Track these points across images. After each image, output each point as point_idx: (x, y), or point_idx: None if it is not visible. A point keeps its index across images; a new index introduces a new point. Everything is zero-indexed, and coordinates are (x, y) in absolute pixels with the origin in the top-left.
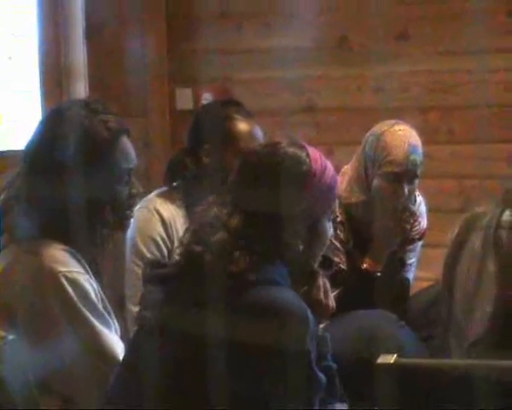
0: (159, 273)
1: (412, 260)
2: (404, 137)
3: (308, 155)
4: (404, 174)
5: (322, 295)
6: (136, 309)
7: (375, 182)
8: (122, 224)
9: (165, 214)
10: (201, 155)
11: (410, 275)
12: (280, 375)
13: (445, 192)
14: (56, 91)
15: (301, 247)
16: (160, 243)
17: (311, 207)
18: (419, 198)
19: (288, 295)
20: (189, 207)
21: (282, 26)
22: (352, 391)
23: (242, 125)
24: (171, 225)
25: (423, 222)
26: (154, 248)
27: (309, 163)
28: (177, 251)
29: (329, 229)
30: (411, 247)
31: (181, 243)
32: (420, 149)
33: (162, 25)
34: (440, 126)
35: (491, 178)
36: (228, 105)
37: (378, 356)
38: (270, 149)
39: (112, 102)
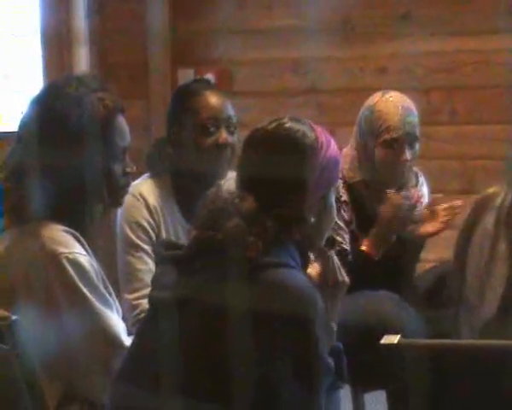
0: (173, 255)
1: None
2: (396, 102)
3: (312, 128)
4: (403, 138)
5: (337, 273)
6: (130, 297)
7: (377, 152)
8: (117, 201)
9: (151, 200)
10: (179, 133)
11: None
12: (288, 357)
13: (447, 173)
14: (59, 70)
15: (313, 219)
16: (147, 227)
17: (321, 179)
18: (421, 179)
19: (298, 279)
20: (177, 194)
21: (285, 6)
22: (357, 372)
23: (213, 99)
24: (156, 210)
25: (425, 202)
26: (141, 234)
27: (315, 135)
28: (192, 234)
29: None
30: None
31: (195, 226)
32: (415, 111)
33: (165, 5)
34: (443, 107)
35: (494, 158)
36: (198, 82)
37: (382, 337)
38: (275, 125)
39: (113, 82)
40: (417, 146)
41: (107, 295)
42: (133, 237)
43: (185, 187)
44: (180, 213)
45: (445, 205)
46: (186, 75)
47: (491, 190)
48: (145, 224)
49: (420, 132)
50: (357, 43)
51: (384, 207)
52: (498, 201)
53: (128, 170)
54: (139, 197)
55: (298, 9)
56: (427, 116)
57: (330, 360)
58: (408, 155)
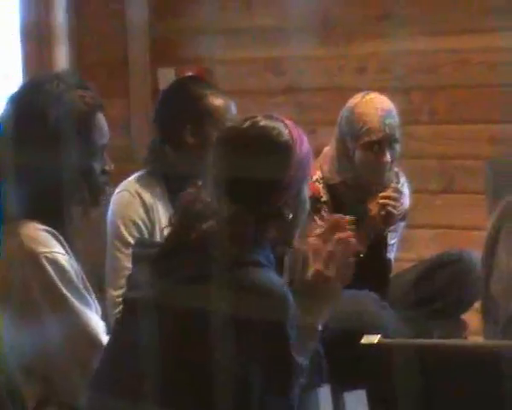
0: (148, 254)
1: (394, 240)
2: (375, 104)
3: (286, 124)
4: (383, 140)
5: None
6: (115, 293)
7: (357, 154)
8: (97, 200)
9: (147, 198)
10: (184, 135)
11: (392, 255)
12: (259, 357)
13: (427, 172)
14: (38, 67)
15: (290, 216)
16: (142, 226)
17: (297, 175)
18: (402, 179)
19: (270, 278)
20: (171, 194)
21: (265, 6)
22: (338, 371)
23: (220, 101)
24: (152, 208)
25: (406, 203)
26: (135, 232)
27: (289, 132)
28: (165, 232)
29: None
30: (394, 227)
31: (170, 224)
32: (394, 113)
33: (144, 4)
34: (423, 107)
35: (473, 158)
36: (197, 82)
37: (361, 337)
38: (250, 124)
39: (93, 81)
40: (398, 147)
41: (87, 294)
42: (125, 233)
43: (181, 187)
44: None
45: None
46: (166, 74)
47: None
48: (139, 221)
49: (400, 133)
50: (337, 42)
51: (371, 203)
52: None
53: (107, 168)
54: (135, 194)
55: (278, 9)
56: (406, 116)
57: (302, 360)
58: (388, 156)
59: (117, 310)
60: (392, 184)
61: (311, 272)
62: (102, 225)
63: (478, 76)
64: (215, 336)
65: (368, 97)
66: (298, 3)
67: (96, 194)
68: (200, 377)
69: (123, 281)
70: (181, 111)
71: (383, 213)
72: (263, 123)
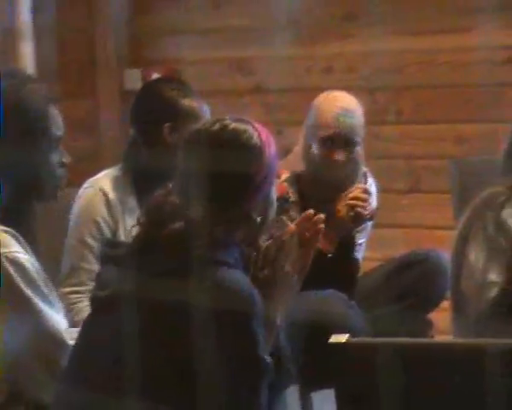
0: (115, 253)
1: (362, 240)
2: (335, 101)
3: (254, 126)
4: (336, 137)
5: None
6: (65, 290)
7: (314, 149)
8: (55, 194)
9: (112, 196)
10: (161, 135)
11: (360, 255)
12: (226, 355)
13: (394, 172)
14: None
15: (259, 217)
16: (102, 224)
17: (268, 177)
18: (370, 179)
19: (238, 278)
20: (139, 194)
21: (232, 6)
22: (306, 371)
23: (196, 102)
24: (116, 207)
25: (374, 203)
26: (94, 231)
27: (258, 135)
28: (134, 231)
29: None
30: (362, 227)
31: (138, 223)
32: (353, 113)
33: (112, 5)
34: (389, 107)
35: (439, 158)
36: (171, 83)
37: (329, 336)
38: (220, 126)
39: (60, 82)
40: (357, 149)
41: (49, 293)
42: (85, 232)
43: (150, 188)
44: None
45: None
46: (133, 75)
47: (487, 193)
48: (100, 220)
49: (361, 134)
50: (304, 43)
51: (340, 204)
52: (498, 201)
53: (64, 160)
54: (99, 192)
55: (245, 9)
56: (373, 116)
57: (269, 360)
58: (341, 155)
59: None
60: (361, 185)
61: (269, 266)
62: (65, 221)
63: (443, 76)
64: (184, 335)
65: (331, 95)
66: (265, 4)
67: (55, 187)
68: (172, 372)
69: (74, 280)
70: (158, 111)
71: (352, 213)
72: (233, 125)
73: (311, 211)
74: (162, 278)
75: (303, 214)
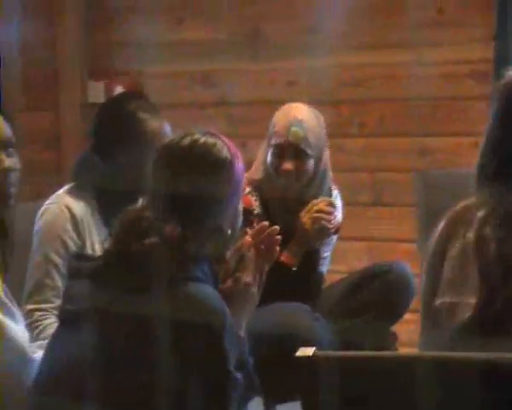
0: (85, 267)
1: (327, 253)
2: (290, 111)
3: (222, 140)
4: (285, 146)
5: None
6: (28, 307)
7: (267, 157)
8: (4, 202)
9: (76, 211)
10: (116, 153)
11: (325, 268)
12: (198, 370)
13: (357, 185)
14: None
15: (229, 231)
16: (68, 241)
17: (237, 190)
18: (335, 192)
19: (208, 293)
20: (102, 208)
21: (196, 19)
22: (272, 385)
23: (155, 124)
24: (82, 222)
25: (339, 216)
26: (60, 247)
27: (227, 149)
28: (105, 245)
29: None
30: (327, 240)
31: (110, 236)
32: (308, 125)
33: (74, 16)
34: (352, 120)
35: (402, 171)
36: (135, 100)
37: (295, 349)
38: (190, 141)
39: (24, 95)
40: (310, 162)
41: (12, 306)
42: (50, 249)
43: (113, 201)
44: (106, 227)
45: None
46: (96, 88)
47: (463, 205)
48: (66, 237)
49: (319, 149)
50: (267, 56)
51: (305, 217)
52: (480, 214)
53: (6, 165)
54: (64, 208)
55: (209, 23)
56: (336, 129)
57: (239, 375)
58: (289, 165)
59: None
60: (326, 198)
61: (231, 278)
62: (28, 237)
63: (406, 89)
64: (154, 350)
65: (289, 105)
66: (228, 17)
67: (6, 196)
68: (142, 387)
69: (37, 297)
70: (119, 129)
71: (317, 227)
72: (203, 140)
73: (266, 223)
74: (134, 292)
75: (257, 226)
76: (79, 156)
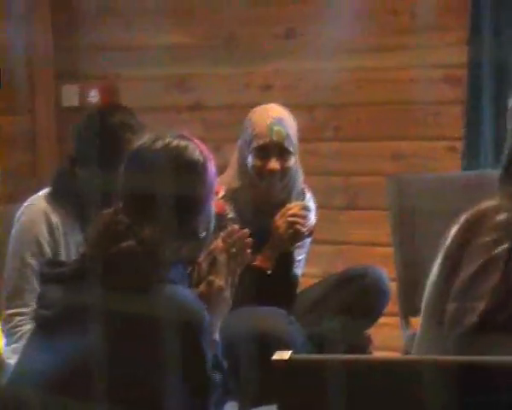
0: (59, 273)
1: (301, 256)
2: (267, 111)
3: (196, 143)
4: (270, 146)
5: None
6: (12, 311)
7: (249, 161)
8: None
9: (53, 216)
10: (97, 167)
11: (299, 271)
12: (174, 372)
13: (332, 189)
14: None
15: (203, 234)
16: (45, 245)
17: (211, 193)
18: (308, 194)
19: (186, 295)
20: (78, 215)
21: (171, 23)
22: (247, 388)
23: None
24: (58, 227)
25: (313, 219)
26: (36, 251)
27: (200, 152)
28: (80, 250)
29: None
30: (301, 243)
31: (85, 242)
32: (286, 123)
33: (48, 19)
34: (327, 124)
35: (377, 174)
36: (119, 113)
37: (270, 352)
38: (162, 144)
39: None
40: (292, 160)
41: None
42: (27, 253)
43: (90, 209)
44: (82, 234)
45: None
46: (70, 91)
47: (484, 207)
48: (42, 241)
49: (296, 147)
50: (242, 60)
51: (279, 221)
52: (499, 217)
53: None
54: (41, 212)
55: (184, 27)
56: (311, 133)
57: (216, 376)
58: (275, 164)
59: (8, 326)
60: (299, 202)
61: (204, 282)
62: (5, 240)
63: (381, 94)
64: (133, 354)
65: (263, 106)
66: (203, 21)
67: None
68: (120, 389)
69: (17, 301)
70: (101, 144)
71: (291, 230)
72: (175, 143)
73: (236, 226)
74: (112, 295)
75: (227, 230)
76: (59, 168)
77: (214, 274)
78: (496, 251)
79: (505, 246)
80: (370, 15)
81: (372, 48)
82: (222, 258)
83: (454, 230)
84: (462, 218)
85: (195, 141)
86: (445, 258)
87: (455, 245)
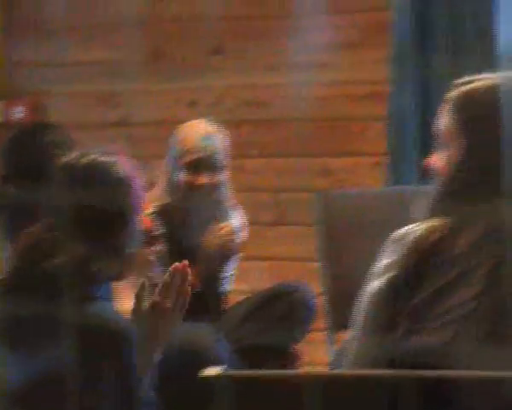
0: None
1: (230, 272)
2: (196, 127)
3: (120, 159)
4: (201, 162)
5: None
6: None
7: (179, 177)
8: None
9: None
10: (29, 185)
11: (227, 287)
12: (102, 390)
13: (259, 205)
14: None
15: (130, 250)
16: None
17: (135, 209)
18: (238, 210)
19: (110, 312)
20: (8, 232)
21: (98, 39)
22: (176, 405)
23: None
24: None
25: (241, 235)
26: None
27: (125, 167)
28: (9, 265)
29: None
30: (229, 260)
31: (13, 257)
32: (215, 138)
33: None
34: (254, 140)
35: (304, 190)
36: (49, 131)
37: (197, 369)
38: (87, 160)
39: None
40: (222, 175)
41: None
42: None
43: (20, 226)
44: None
45: None
46: None
47: (430, 229)
48: None
49: (223, 161)
50: (169, 76)
51: (208, 240)
52: (462, 235)
53: None
54: None
55: (112, 42)
56: (237, 149)
57: (151, 392)
58: (206, 179)
59: None
60: (228, 222)
61: (147, 303)
62: None
63: (307, 110)
64: (60, 372)
65: (191, 122)
66: (130, 37)
67: None
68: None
69: None
70: (26, 162)
71: (220, 250)
72: (100, 159)
73: (177, 264)
74: (39, 313)
75: (170, 269)
76: None
77: (162, 295)
78: (463, 268)
79: (476, 262)
80: (296, 32)
81: (298, 64)
82: (173, 280)
83: (400, 247)
84: (408, 240)
85: (121, 157)
86: (396, 273)
87: (409, 261)
